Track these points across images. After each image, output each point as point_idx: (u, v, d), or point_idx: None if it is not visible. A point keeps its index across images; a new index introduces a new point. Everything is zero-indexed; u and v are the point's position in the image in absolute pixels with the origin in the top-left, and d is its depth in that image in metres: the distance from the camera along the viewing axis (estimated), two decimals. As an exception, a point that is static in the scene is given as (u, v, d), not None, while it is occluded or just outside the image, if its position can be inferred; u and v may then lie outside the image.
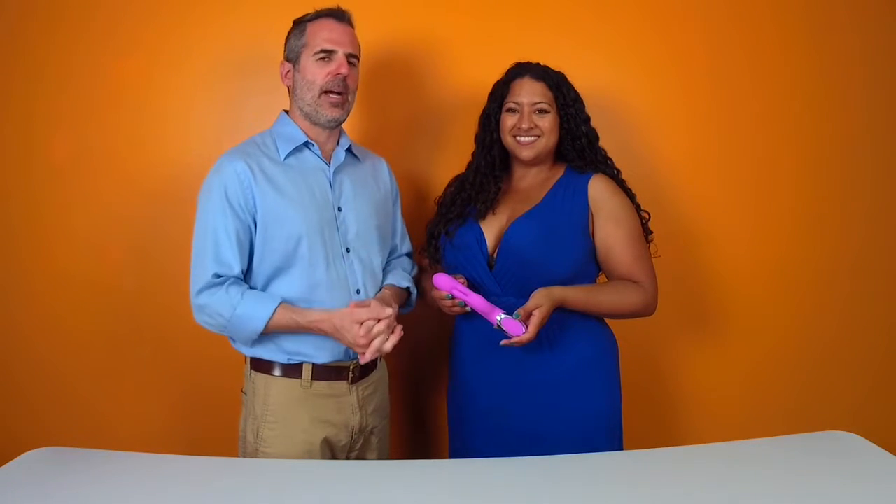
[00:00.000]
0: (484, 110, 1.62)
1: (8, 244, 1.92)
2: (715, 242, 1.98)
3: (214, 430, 1.79)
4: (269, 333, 1.41)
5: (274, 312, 1.37)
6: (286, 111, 1.54)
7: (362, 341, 1.36)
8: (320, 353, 1.45)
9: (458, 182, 1.66)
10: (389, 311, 1.38)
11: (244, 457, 1.50)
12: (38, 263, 1.91)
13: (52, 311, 1.92)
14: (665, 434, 2.02)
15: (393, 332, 1.38)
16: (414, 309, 1.65)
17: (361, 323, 1.36)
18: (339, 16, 1.48)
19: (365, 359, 1.38)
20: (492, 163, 1.61)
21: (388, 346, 1.38)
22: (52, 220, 1.91)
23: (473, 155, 1.65)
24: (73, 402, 1.95)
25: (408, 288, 1.59)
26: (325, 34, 1.45)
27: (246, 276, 1.44)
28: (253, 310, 1.37)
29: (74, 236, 1.91)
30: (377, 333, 1.36)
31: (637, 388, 1.76)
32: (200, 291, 1.39)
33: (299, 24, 1.49)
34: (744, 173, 1.96)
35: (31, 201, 1.90)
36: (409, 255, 1.71)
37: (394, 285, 1.56)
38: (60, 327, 1.93)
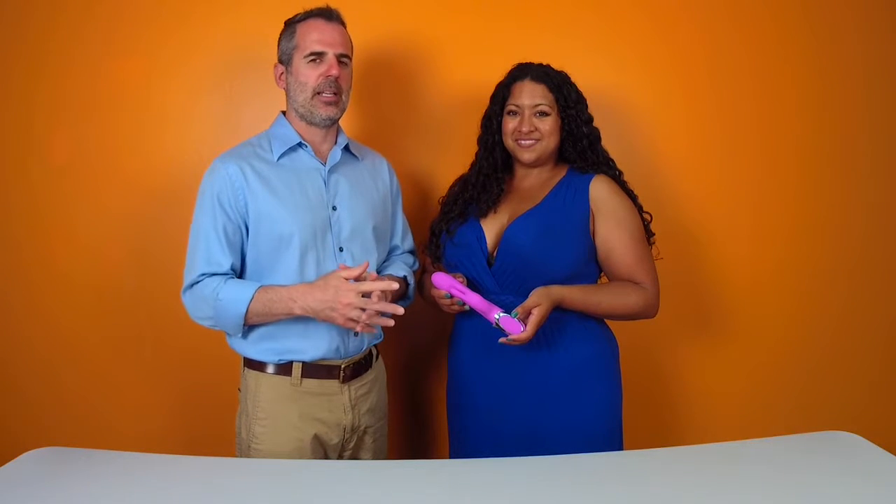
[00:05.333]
0: (485, 112, 1.62)
1: (8, 244, 1.92)
2: (715, 243, 1.98)
3: (213, 430, 1.79)
4: (257, 323, 1.42)
5: (255, 292, 1.37)
6: (283, 112, 1.54)
7: (354, 300, 1.32)
8: (309, 347, 1.45)
9: (462, 182, 1.66)
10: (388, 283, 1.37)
11: (239, 454, 1.51)
12: (37, 263, 1.91)
13: (51, 311, 1.93)
14: (665, 434, 2.02)
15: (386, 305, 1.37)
16: (413, 302, 1.65)
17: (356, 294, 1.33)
18: (329, 15, 1.47)
19: (342, 321, 1.35)
20: (494, 164, 1.61)
21: (381, 320, 1.37)
22: (52, 220, 1.91)
23: (476, 156, 1.65)
24: (72, 402, 1.95)
25: (405, 277, 1.59)
26: (314, 35, 1.44)
27: (240, 276, 1.46)
28: (235, 293, 1.38)
29: (74, 236, 1.91)
30: (367, 302, 1.33)
31: (637, 389, 1.76)
32: (187, 289, 1.42)
33: (289, 25, 1.49)
34: (745, 174, 1.96)
35: (31, 201, 1.90)
36: (411, 251, 1.72)
37: (392, 276, 1.56)
38: (60, 327, 1.93)
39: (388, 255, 1.65)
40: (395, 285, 1.39)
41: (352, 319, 1.35)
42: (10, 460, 1.25)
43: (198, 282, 1.41)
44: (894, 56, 1.95)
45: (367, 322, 1.36)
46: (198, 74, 1.89)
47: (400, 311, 1.35)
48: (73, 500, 1.12)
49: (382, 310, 1.35)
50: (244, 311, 1.37)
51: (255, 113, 1.78)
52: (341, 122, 1.55)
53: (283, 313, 1.39)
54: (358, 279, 1.35)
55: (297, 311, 1.38)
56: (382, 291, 1.35)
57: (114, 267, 1.92)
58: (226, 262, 1.41)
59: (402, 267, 1.61)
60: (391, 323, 1.37)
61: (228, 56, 1.88)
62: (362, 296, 1.34)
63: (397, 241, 1.68)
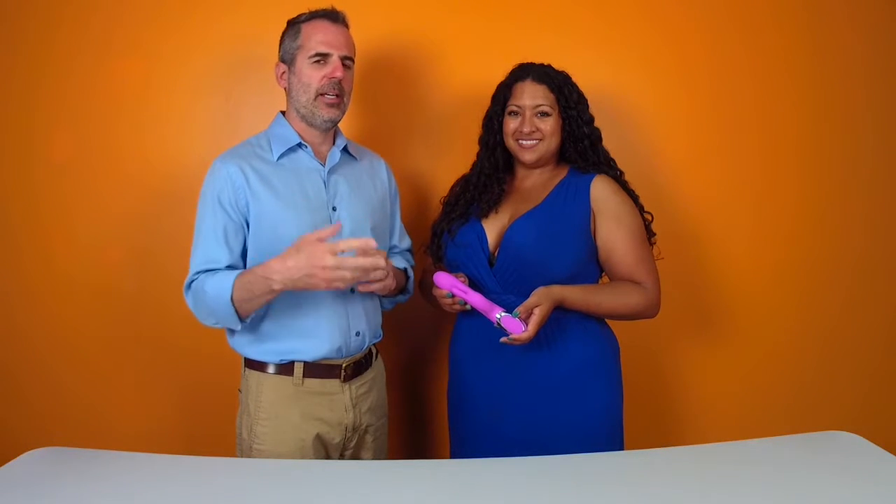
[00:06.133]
0: (487, 112, 1.62)
1: (8, 244, 1.92)
2: (716, 243, 1.98)
3: (214, 430, 1.79)
4: (250, 310, 1.38)
5: (236, 278, 1.34)
6: (282, 112, 1.55)
7: (329, 261, 1.24)
8: (311, 347, 1.45)
9: (463, 182, 1.66)
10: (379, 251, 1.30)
11: (240, 454, 1.51)
12: (37, 264, 1.91)
13: (51, 312, 1.93)
14: (665, 434, 2.02)
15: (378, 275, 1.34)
16: (412, 295, 1.65)
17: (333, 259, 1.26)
18: (334, 17, 1.47)
19: (324, 285, 1.27)
20: (495, 164, 1.61)
21: (377, 286, 1.37)
22: (52, 220, 1.91)
23: (477, 156, 1.65)
24: (73, 403, 1.95)
25: (405, 270, 1.60)
26: (319, 36, 1.44)
27: None
28: (218, 283, 1.36)
29: (74, 236, 1.91)
30: (344, 260, 1.25)
31: (637, 388, 1.76)
32: (185, 292, 1.43)
33: (293, 24, 1.49)
34: (745, 174, 1.97)
35: (31, 201, 1.90)
36: (408, 250, 1.72)
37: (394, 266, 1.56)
38: (60, 327, 1.93)
39: (387, 254, 1.65)
40: (374, 244, 1.27)
41: (336, 280, 1.27)
42: (10, 460, 1.25)
43: (193, 280, 1.41)
44: (894, 56, 1.95)
45: (353, 281, 1.30)
46: (198, 74, 1.89)
47: (381, 261, 1.29)
48: (73, 500, 1.12)
49: (364, 266, 1.27)
50: (228, 298, 1.34)
51: (255, 113, 1.78)
52: (341, 123, 1.55)
53: (265, 292, 1.33)
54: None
55: (278, 287, 1.31)
56: (362, 250, 1.27)
57: (114, 267, 1.92)
58: (223, 258, 1.41)
59: (401, 260, 1.62)
60: (378, 286, 1.37)
61: (228, 56, 1.88)
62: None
63: (395, 241, 1.69)
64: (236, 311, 1.37)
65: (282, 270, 1.29)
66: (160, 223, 1.91)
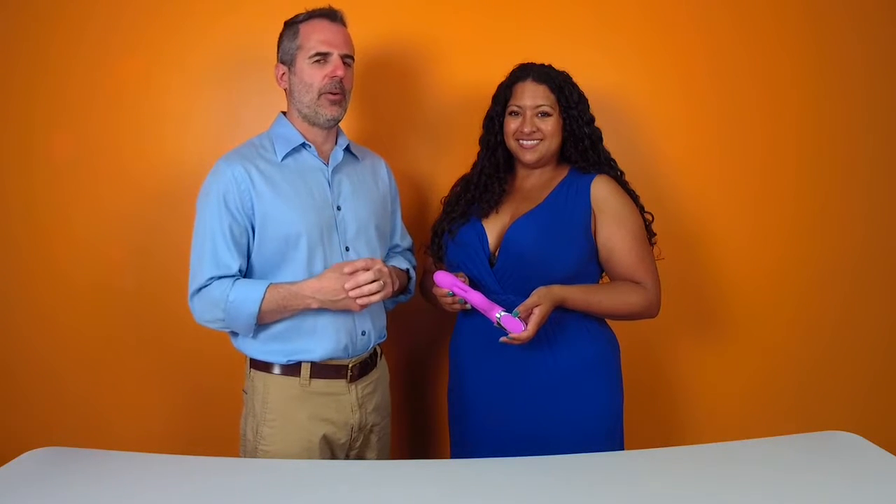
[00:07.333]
0: (487, 113, 1.62)
1: (8, 244, 1.92)
2: (716, 243, 1.98)
3: (215, 430, 1.79)
4: (266, 322, 1.42)
5: (266, 291, 1.38)
6: (283, 113, 1.55)
7: (349, 285, 1.37)
8: (318, 347, 1.45)
9: (464, 182, 1.66)
10: (377, 261, 1.42)
11: (244, 455, 1.51)
12: (37, 264, 1.91)
13: (51, 312, 1.92)
14: (666, 434, 2.02)
15: (384, 284, 1.41)
16: (414, 295, 1.66)
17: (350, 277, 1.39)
18: (332, 16, 1.48)
19: (357, 306, 1.40)
20: (496, 164, 1.61)
21: (377, 297, 1.39)
22: (52, 220, 1.91)
23: (478, 156, 1.65)
24: (73, 402, 1.95)
25: (407, 270, 1.60)
26: (319, 36, 1.45)
27: (245, 276, 1.46)
28: (245, 293, 1.38)
29: (74, 236, 1.91)
30: (364, 280, 1.38)
31: (637, 388, 1.76)
32: (196, 293, 1.42)
33: (291, 25, 1.49)
34: (745, 174, 1.97)
35: (31, 201, 1.90)
36: (410, 249, 1.73)
37: (396, 267, 1.57)
38: (60, 327, 1.93)
39: (388, 254, 1.66)
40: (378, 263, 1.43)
41: (363, 301, 1.39)
42: (10, 460, 1.25)
43: (206, 285, 1.40)
44: (894, 56, 1.95)
45: (381, 294, 1.41)
46: (198, 74, 1.89)
47: (370, 275, 1.38)
48: (73, 500, 1.12)
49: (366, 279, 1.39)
50: (256, 310, 1.38)
51: (255, 113, 1.78)
52: (341, 123, 1.55)
53: (300, 308, 1.42)
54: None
55: (315, 305, 1.41)
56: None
57: (114, 267, 1.91)
58: (234, 264, 1.41)
59: (403, 261, 1.63)
60: (377, 298, 1.41)
61: (228, 56, 1.88)
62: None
63: (397, 240, 1.69)
64: (256, 322, 1.40)
65: (320, 290, 1.40)
66: (160, 223, 1.90)
